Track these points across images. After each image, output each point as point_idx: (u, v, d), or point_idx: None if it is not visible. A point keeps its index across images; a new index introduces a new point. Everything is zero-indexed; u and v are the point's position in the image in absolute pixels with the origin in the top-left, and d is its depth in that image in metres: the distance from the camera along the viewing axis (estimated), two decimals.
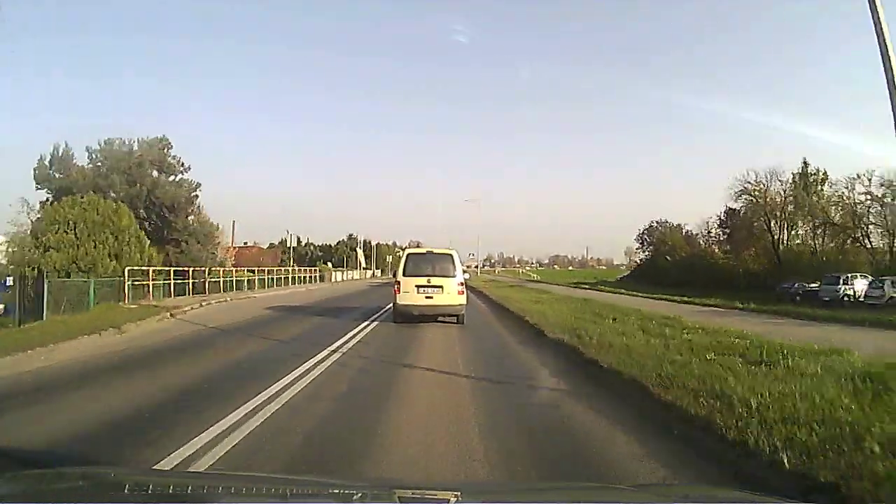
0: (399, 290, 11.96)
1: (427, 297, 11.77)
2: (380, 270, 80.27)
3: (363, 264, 72.06)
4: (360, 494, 1.86)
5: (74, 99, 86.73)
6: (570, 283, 44.95)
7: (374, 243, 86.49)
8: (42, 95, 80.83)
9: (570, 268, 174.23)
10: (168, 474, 2.93)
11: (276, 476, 3.11)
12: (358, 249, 74.15)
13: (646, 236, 51.41)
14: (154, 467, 3.40)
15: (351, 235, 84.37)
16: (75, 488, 1.70)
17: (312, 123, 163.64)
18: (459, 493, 1.95)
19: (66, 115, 77.30)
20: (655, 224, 50.49)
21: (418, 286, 11.80)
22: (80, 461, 3.41)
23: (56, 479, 1.84)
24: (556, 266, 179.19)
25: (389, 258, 79.17)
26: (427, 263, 12.13)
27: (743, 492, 2.71)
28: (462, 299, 11.98)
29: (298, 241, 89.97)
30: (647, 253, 51.16)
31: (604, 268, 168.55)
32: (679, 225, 47.75)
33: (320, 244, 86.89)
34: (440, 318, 12.12)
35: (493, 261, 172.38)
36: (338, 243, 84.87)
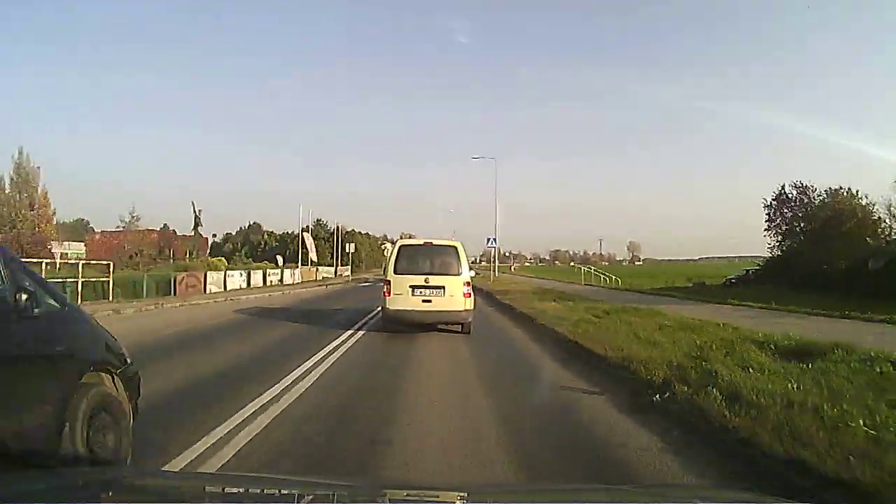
0: (389, 292, 9.82)
1: (425, 301, 9.66)
2: (349, 267, 58.00)
3: (314, 259, 49.32)
4: (367, 496, 1.88)
5: None
6: (656, 291, 25.55)
7: (342, 230, 63.95)
8: None
9: (572, 264, 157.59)
10: (167, 475, 2.79)
11: (278, 477, 2.97)
12: (306, 235, 48.55)
13: (783, 209, 27.83)
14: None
15: (319, 221, 62.41)
16: (75, 488, 1.67)
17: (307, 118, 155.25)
18: (466, 494, 1.94)
19: None
20: (794, 190, 27.66)
21: (413, 287, 9.70)
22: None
23: (56, 480, 1.83)
24: (557, 262, 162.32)
25: (351, 247, 56.46)
26: (424, 258, 10.04)
27: (744, 492, 2.78)
28: (469, 304, 9.87)
29: (256, 230, 69.57)
30: (784, 238, 27.77)
31: (606, 264, 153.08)
32: (848, 190, 26.56)
33: (281, 233, 67.54)
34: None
35: (490, 256, 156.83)
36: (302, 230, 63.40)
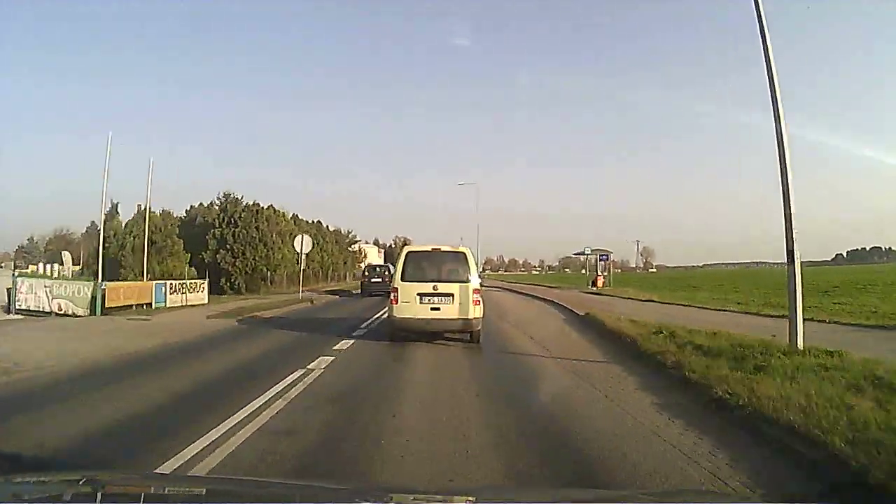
0: (396, 300, 9.80)
1: (433, 309, 9.65)
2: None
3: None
4: (375, 500, 1.86)
5: None
6: None
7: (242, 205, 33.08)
8: None
9: (584, 271, 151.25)
10: (166, 478, 2.82)
11: (280, 481, 2.95)
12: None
13: None
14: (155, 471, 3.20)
15: (228, 196, 32.95)
16: (75, 491, 1.67)
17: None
18: (473, 499, 2.03)
19: None
20: None
21: (421, 294, 9.67)
22: (80, 465, 3.30)
23: (56, 482, 1.83)
24: (567, 269, 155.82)
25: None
26: (432, 265, 9.95)
27: (745, 493, 2.88)
28: (478, 311, 9.78)
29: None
30: None
31: (618, 271, 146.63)
32: None
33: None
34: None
35: (496, 265, 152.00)
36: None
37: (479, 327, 9.91)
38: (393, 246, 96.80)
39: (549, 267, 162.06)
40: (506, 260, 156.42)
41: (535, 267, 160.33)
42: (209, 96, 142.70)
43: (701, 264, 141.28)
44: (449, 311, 9.60)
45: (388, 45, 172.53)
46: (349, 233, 65.01)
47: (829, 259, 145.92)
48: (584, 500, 1.93)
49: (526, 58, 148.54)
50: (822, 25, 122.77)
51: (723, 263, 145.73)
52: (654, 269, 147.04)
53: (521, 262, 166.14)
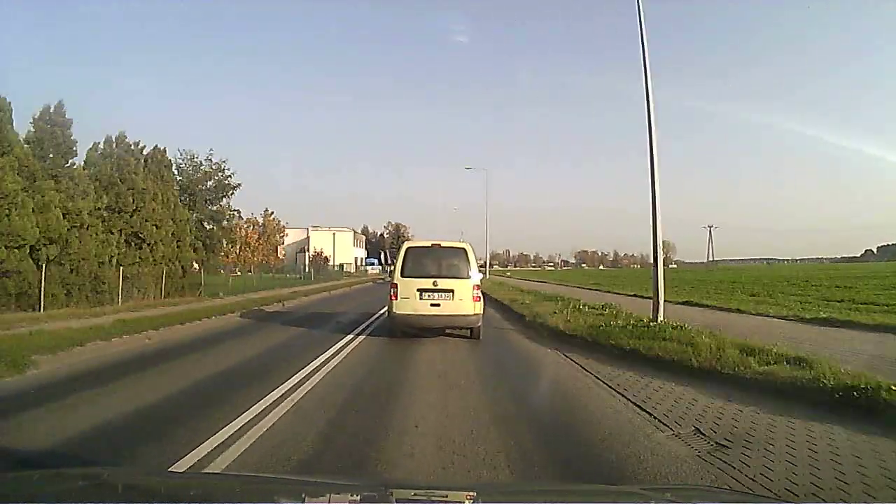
0: (396, 296, 9.86)
1: (433, 305, 9.71)
2: None
3: None
4: (373, 495, 1.88)
5: None
6: None
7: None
8: None
9: (601, 267, 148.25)
10: (167, 475, 2.82)
11: (284, 477, 3.03)
12: None
13: None
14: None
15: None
16: (75, 488, 1.65)
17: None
18: (474, 494, 1.98)
19: None
20: None
21: (421, 290, 9.74)
22: (80, 462, 3.42)
23: (56, 480, 1.81)
24: (584, 265, 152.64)
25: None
26: (432, 261, 10.01)
27: (743, 493, 2.90)
28: (478, 307, 9.93)
29: None
30: None
31: (637, 266, 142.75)
32: None
33: None
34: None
35: (504, 260, 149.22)
36: None
37: (480, 323, 10.03)
38: (385, 235, 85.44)
39: (565, 262, 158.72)
40: (514, 255, 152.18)
41: (547, 262, 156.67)
42: (205, 88, 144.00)
43: (705, 260, 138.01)
44: (449, 307, 9.65)
45: (388, 40, 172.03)
46: (220, 164, 29.79)
47: (857, 255, 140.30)
48: (585, 495, 1.90)
49: (527, 54, 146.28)
50: None
51: (731, 259, 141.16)
52: (675, 266, 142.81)
53: (531, 256, 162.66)
